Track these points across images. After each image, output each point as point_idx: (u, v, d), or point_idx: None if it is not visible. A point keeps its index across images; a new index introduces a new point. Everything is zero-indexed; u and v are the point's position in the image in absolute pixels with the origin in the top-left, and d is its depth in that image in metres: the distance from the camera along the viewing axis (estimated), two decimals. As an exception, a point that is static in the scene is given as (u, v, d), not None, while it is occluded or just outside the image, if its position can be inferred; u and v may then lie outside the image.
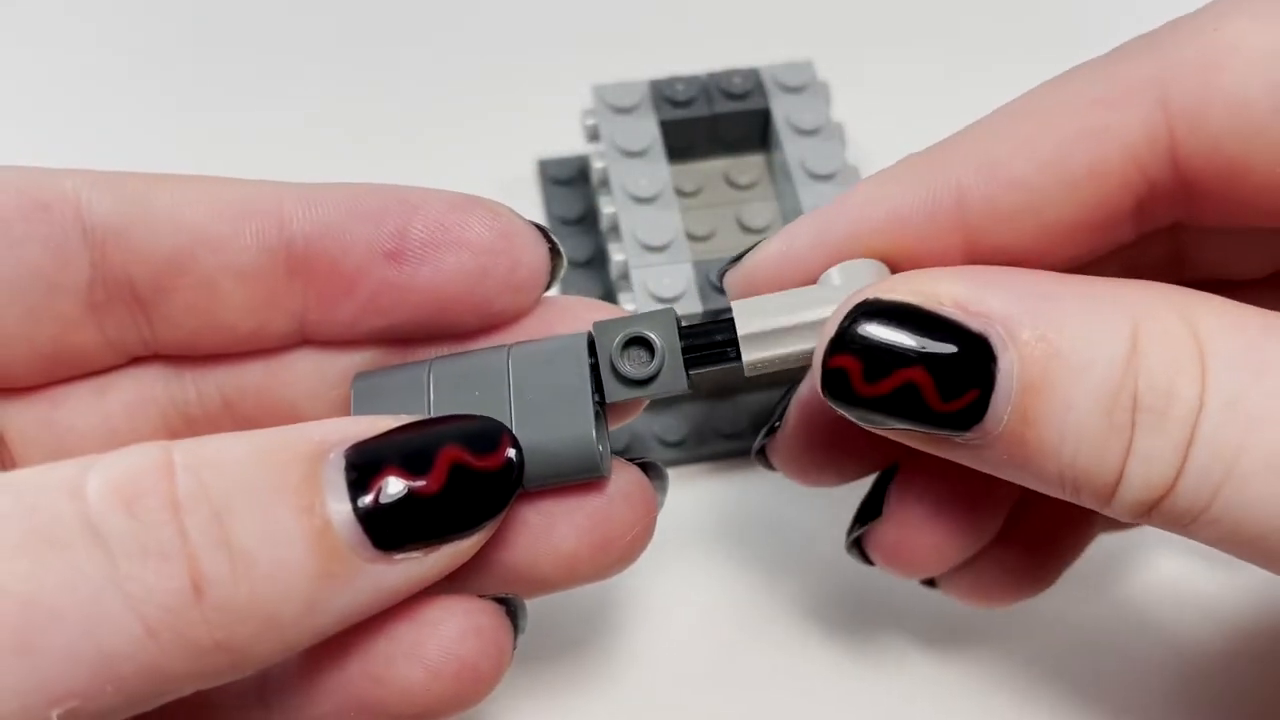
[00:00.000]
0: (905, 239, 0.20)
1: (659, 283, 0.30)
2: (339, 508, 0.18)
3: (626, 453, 0.31)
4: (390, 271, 0.21)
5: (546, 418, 0.21)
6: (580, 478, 0.21)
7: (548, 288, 0.22)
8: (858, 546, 0.25)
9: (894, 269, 0.21)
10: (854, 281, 0.20)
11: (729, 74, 0.34)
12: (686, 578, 0.30)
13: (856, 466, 0.25)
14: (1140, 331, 0.18)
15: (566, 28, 0.43)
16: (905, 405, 0.19)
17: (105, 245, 0.21)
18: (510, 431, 0.20)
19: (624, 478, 0.22)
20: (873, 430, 0.20)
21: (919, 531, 0.23)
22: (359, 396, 0.21)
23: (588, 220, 0.37)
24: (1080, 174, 0.19)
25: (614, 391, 0.21)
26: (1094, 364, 0.18)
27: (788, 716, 0.29)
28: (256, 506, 0.17)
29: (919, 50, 0.42)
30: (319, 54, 0.42)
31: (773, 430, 0.25)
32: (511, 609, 0.21)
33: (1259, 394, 0.17)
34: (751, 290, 0.22)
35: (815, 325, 0.20)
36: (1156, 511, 0.18)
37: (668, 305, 0.21)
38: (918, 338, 0.19)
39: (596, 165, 0.33)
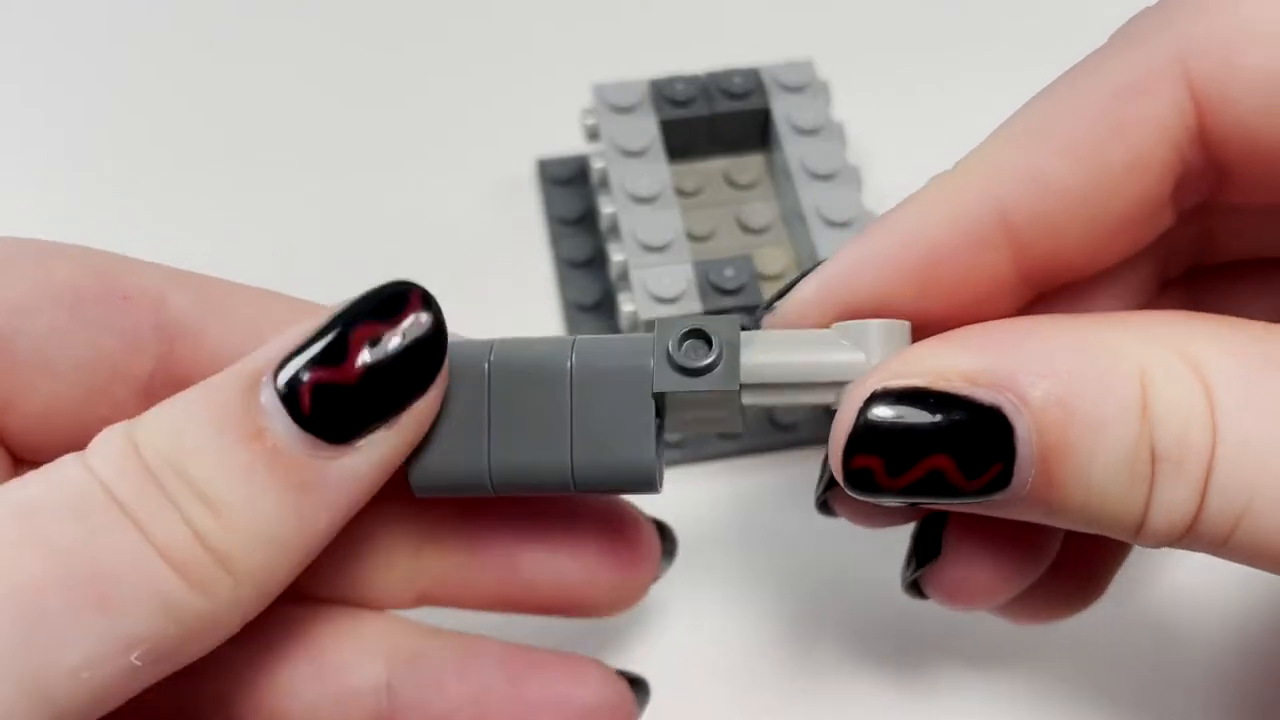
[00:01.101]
0: (949, 274, 0.20)
1: (659, 283, 0.30)
2: (281, 425, 0.19)
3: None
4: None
5: (607, 423, 0.21)
6: (633, 490, 0.22)
7: None
8: (915, 586, 0.24)
9: (928, 313, 0.21)
10: (866, 346, 0.20)
11: (729, 74, 0.34)
12: (692, 589, 0.30)
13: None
14: (1147, 380, 0.18)
15: (566, 28, 0.43)
16: (932, 488, 0.19)
17: (175, 341, 0.22)
18: (418, 287, 0.20)
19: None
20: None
21: (981, 569, 0.23)
22: None
23: (587, 220, 0.37)
24: (1120, 170, 0.19)
25: (664, 380, 0.21)
26: (1109, 421, 0.18)
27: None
28: (210, 453, 0.19)
29: (919, 50, 0.42)
30: (319, 54, 0.42)
31: (830, 486, 0.24)
32: None
33: (1268, 432, 0.17)
34: None
35: (824, 386, 0.21)
36: (1182, 543, 0.19)
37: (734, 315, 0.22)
38: (933, 420, 0.19)
39: (596, 165, 0.33)
